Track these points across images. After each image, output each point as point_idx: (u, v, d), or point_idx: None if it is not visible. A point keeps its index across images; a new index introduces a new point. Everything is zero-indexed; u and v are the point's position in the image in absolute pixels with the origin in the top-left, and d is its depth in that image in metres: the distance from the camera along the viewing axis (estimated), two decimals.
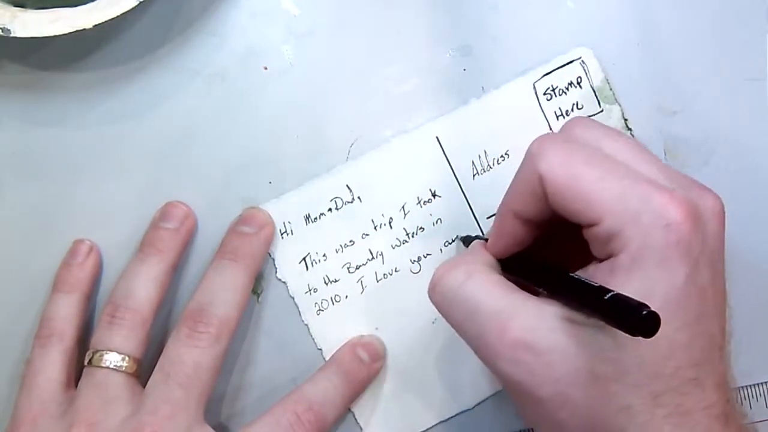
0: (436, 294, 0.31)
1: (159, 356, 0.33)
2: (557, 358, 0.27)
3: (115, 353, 0.33)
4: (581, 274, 0.28)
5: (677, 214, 0.26)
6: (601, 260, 0.28)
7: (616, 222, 0.27)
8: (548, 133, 0.30)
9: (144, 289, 0.34)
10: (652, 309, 0.23)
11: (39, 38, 0.32)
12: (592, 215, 0.27)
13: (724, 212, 0.29)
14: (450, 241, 0.36)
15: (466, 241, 0.36)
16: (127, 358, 0.33)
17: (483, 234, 0.36)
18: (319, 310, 0.36)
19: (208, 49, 0.36)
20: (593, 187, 0.27)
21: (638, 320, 0.23)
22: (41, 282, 0.36)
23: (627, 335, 0.24)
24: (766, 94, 0.36)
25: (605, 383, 0.26)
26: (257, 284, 0.36)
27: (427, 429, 0.37)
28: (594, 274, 0.27)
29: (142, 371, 0.33)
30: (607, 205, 0.27)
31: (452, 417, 0.37)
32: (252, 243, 0.35)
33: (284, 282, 0.36)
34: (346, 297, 0.36)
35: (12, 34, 0.32)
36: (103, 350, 0.33)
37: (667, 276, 0.26)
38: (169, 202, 0.36)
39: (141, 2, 0.32)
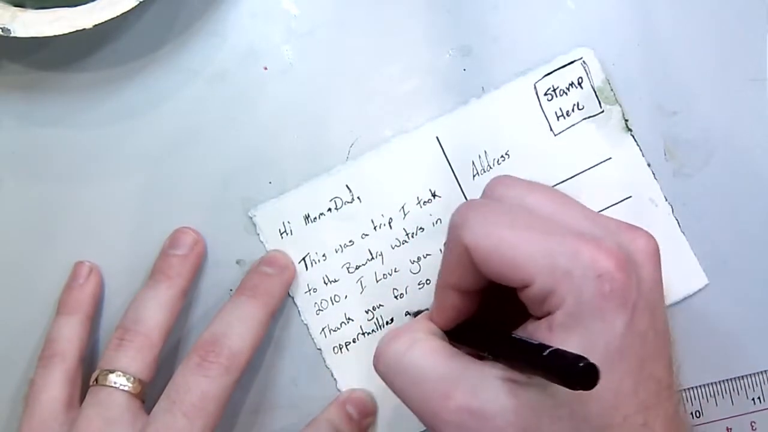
0: (380, 364, 0.30)
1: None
2: (502, 422, 0.26)
3: (120, 373, 0.33)
4: (521, 333, 0.28)
5: (608, 263, 0.26)
6: (539, 318, 0.28)
7: (548, 281, 0.26)
8: (470, 201, 0.30)
9: (153, 314, 0.34)
10: (590, 361, 0.23)
11: (39, 38, 0.32)
12: (522, 278, 0.27)
13: (658, 251, 0.28)
14: None
15: (417, 315, 0.35)
16: (132, 379, 0.33)
17: None
18: (319, 310, 0.36)
19: (208, 49, 0.36)
20: (520, 251, 0.27)
21: (577, 373, 0.23)
22: (41, 281, 0.36)
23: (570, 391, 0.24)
24: (766, 94, 0.36)
25: None
26: None
27: (426, 429, 0.37)
28: (533, 333, 0.27)
29: (149, 398, 0.33)
30: (536, 266, 0.27)
31: None
32: (273, 283, 0.35)
33: None
34: (346, 297, 0.36)
35: (12, 34, 0.32)
36: (108, 370, 0.33)
37: (605, 327, 0.26)
38: (178, 228, 0.36)
39: (141, 2, 0.32)
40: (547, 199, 0.29)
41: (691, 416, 0.37)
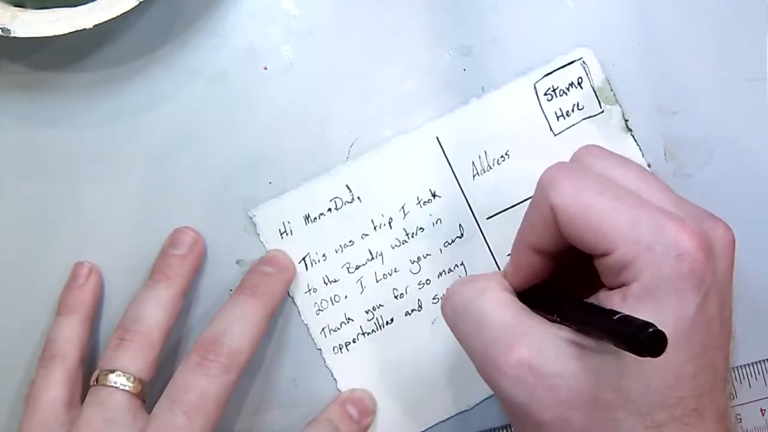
0: (447, 306, 0.31)
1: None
2: (561, 382, 0.26)
3: (120, 373, 0.33)
4: (592, 300, 0.28)
5: (690, 244, 0.26)
6: (611, 288, 0.28)
7: (629, 252, 0.26)
8: (559, 163, 0.30)
9: (153, 314, 0.34)
10: (659, 328, 0.23)
11: (39, 38, 0.32)
12: (604, 245, 0.27)
13: (734, 244, 0.28)
14: (450, 242, 0.36)
15: None
16: (132, 378, 0.33)
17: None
18: (319, 310, 0.36)
19: (208, 49, 0.36)
20: (605, 218, 0.27)
21: (645, 339, 0.23)
22: (41, 281, 0.36)
23: (635, 362, 0.23)
24: (766, 94, 0.36)
25: (608, 410, 0.26)
26: None
27: (426, 429, 0.37)
28: (605, 302, 0.27)
29: (150, 398, 0.33)
30: (620, 235, 0.27)
31: (451, 417, 0.37)
32: (272, 282, 0.35)
33: None
34: (346, 297, 0.36)
35: (12, 34, 0.32)
36: (108, 370, 0.33)
37: (678, 306, 0.26)
38: (178, 228, 0.36)
39: (141, 2, 0.32)
40: (635, 174, 0.29)
41: None
